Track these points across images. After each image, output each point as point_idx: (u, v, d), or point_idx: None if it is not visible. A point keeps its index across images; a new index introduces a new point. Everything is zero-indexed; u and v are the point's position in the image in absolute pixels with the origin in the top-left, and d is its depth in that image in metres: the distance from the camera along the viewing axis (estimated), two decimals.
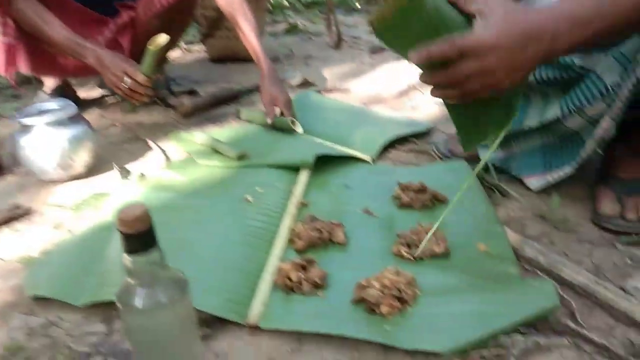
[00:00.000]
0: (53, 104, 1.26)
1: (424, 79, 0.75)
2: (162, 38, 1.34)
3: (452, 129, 1.44)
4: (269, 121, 1.44)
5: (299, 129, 1.41)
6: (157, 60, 1.40)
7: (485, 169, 1.14)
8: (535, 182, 1.11)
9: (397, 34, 0.70)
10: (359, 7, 3.71)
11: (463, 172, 1.16)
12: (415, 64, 0.72)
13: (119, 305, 0.58)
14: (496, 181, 1.12)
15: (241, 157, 1.27)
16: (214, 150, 1.34)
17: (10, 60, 1.50)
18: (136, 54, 1.67)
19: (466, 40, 0.68)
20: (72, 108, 1.24)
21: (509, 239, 0.91)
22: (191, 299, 0.61)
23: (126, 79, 1.33)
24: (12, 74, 1.53)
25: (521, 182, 1.14)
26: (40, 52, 1.53)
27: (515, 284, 0.80)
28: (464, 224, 0.97)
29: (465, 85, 0.72)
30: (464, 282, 0.81)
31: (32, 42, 1.50)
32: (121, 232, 0.54)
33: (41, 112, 1.22)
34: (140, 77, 1.34)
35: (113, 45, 1.62)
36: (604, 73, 0.93)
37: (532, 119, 1.07)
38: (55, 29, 1.37)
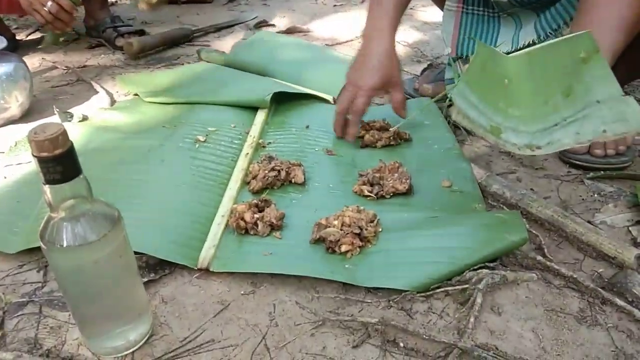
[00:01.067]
0: None
1: None
2: None
3: (417, 69, 1.40)
4: None
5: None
6: None
7: (451, 105, 1.09)
8: None
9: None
10: None
11: (427, 109, 1.11)
12: None
13: (41, 244, 0.51)
14: None
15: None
16: (165, 84, 1.25)
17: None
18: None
19: None
20: (2, 42, 1.12)
21: (475, 175, 0.87)
22: (125, 236, 0.54)
23: (49, 3, 1.21)
24: None
25: None
26: None
27: (480, 216, 0.76)
28: (429, 162, 0.93)
29: None
30: (428, 218, 0.77)
31: None
32: (36, 157, 0.46)
33: None
34: (65, 2, 1.21)
35: None
36: None
37: (504, 45, 1.02)
38: None
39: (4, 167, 0.98)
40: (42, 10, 1.22)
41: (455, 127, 1.06)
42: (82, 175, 0.49)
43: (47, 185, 0.48)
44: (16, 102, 1.13)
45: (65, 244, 0.50)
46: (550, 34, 0.93)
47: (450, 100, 1.09)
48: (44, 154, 0.46)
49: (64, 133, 0.46)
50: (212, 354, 0.59)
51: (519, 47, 1.00)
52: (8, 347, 0.61)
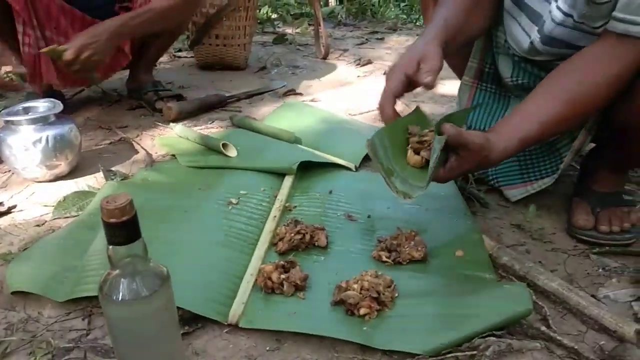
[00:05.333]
0: (39, 103, 1.26)
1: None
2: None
3: None
4: None
5: (232, 152, 1.33)
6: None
7: (466, 179, 1.17)
8: (513, 192, 1.14)
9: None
10: (346, 19, 3.77)
11: None
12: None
13: (100, 295, 0.58)
14: (476, 191, 1.15)
15: (225, 146, 1.30)
16: (200, 147, 1.36)
17: (36, 72, 1.50)
18: (134, 57, 1.69)
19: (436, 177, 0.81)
20: (57, 107, 1.24)
21: (486, 247, 0.93)
22: (172, 293, 0.62)
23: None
24: (39, 85, 1.54)
25: (499, 192, 1.17)
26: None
27: (491, 288, 0.82)
28: (443, 231, 1.00)
29: None
30: (441, 286, 0.83)
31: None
32: (105, 222, 0.55)
33: (26, 110, 1.23)
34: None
35: (114, 51, 1.62)
36: None
37: None
38: None
39: (52, 220, 1.08)
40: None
41: (468, 198, 1.13)
42: (141, 238, 0.57)
43: (111, 246, 0.56)
44: (66, 160, 1.24)
45: (121, 298, 0.57)
46: None
47: (465, 176, 1.18)
48: (113, 220, 0.54)
49: (131, 203, 0.55)
50: None
51: None
52: None
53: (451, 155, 0.80)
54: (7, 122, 1.19)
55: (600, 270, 0.92)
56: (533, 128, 0.85)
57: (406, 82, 0.84)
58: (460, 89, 1.27)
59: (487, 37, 1.15)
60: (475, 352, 0.70)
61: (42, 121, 1.20)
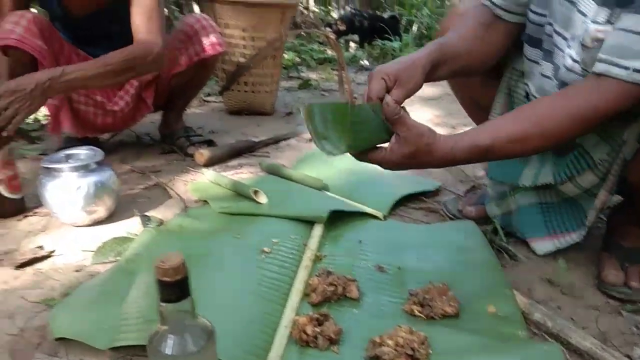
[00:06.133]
0: (79, 150, 1.32)
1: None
2: None
3: (460, 189, 1.51)
4: None
5: (262, 199, 1.36)
6: None
7: (494, 231, 1.19)
8: (540, 246, 1.15)
9: (327, 126, 0.83)
10: (368, 64, 3.86)
11: (472, 232, 1.20)
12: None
13: (149, 349, 0.61)
14: (505, 243, 1.16)
15: (256, 193, 1.34)
16: (231, 193, 1.40)
17: (57, 122, 1.58)
18: (157, 109, 1.77)
19: (377, 155, 0.86)
20: (98, 155, 1.30)
21: (518, 302, 0.94)
22: (215, 347, 0.64)
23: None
24: (60, 134, 1.61)
25: (527, 244, 1.18)
26: (83, 113, 1.64)
27: (524, 346, 0.83)
28: (474, 285, 1.01)
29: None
30: (474, 343, 0.84)
31: (74, 104, 1.59)
32: (158, 280, 0.58)
33: (68, 157, 1.28)
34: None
35: (136, 100, 1.71)
36: (590, 148, 1.00)
37: (526, 179, 1.13)
38: None
39: (92, 265, 1.12)
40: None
41: (498, 251, 1.14)
42: (190, 296, 0.60)
43: (162, 303, 0.59)
44: (104, 206, 1.28)
45: (169, 353, 0.60)
46: (565, 180, 1.04)
47: (494, 224, 1.19)
48: (166, 279, 0.57)
49: (184, 264, 0.58)
50: None
51: (537, 184, 1.10)
52: None
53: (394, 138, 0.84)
54: (49, 168, 1.24)
55: (634, 328, 0.91)
56: (487, 137, 0.86)
57: (385, 89, 0.90)
58: None
59: (507, 93, 1.18)
60: None
61: (84, 168, 1.25)
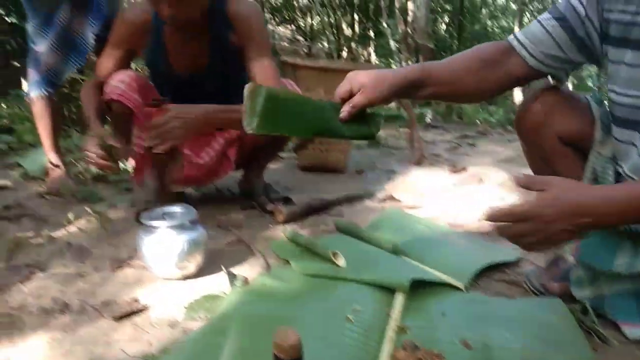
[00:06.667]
0: (175, 209, 1.41)
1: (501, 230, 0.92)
2: None
3: (541, 261, 1.48)
4: None
5: (341, 262, 1.38)
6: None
7: (584, 311, 1.16)
8: (632, 330, 1.11)
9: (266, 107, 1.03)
10: (434, 122, 3.89)
11: (559, 311, 1.17)
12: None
13: None
14: (595, 325, 1.13)
15: (335, 255, 1.38)
16: (310, 253, 1.44)
17: (139, 170, 1.71)
18: (240, 166, 1.86)
19: (525, 208, 0.87)
20: (192, 213, 1.38)
21: None
22: None
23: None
24: (141, 181, 1.74)
25: (618, 326, 1.14)
26: (164, 165, 1.75)
27: None
28: None
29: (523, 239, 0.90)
30: None
31: (156, 155, 1.72)
32: (275, 356, 0.62)
33: (165, 215, 1.37)
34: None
35: (220, 157, 1.81)
36: None
37: (621, 265, 1.10)
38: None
39: (183, 320, 1.17)
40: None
41: (588, 332, 1.11)
42: None
43: None
44: (195, 262, 1.36)
45: None
46: None
47: (582, 304, 1.17)
48: (284, 357, 0.61)
49: (300, 343, 0.62)
50: None
51: (634, 273, 1.07)
52: None
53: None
54: (148, 225, 1.33)
55: None
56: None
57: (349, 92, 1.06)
58: None
59: (592, 178, 1.16)
60: None
61: (180, 227, 1.33)
